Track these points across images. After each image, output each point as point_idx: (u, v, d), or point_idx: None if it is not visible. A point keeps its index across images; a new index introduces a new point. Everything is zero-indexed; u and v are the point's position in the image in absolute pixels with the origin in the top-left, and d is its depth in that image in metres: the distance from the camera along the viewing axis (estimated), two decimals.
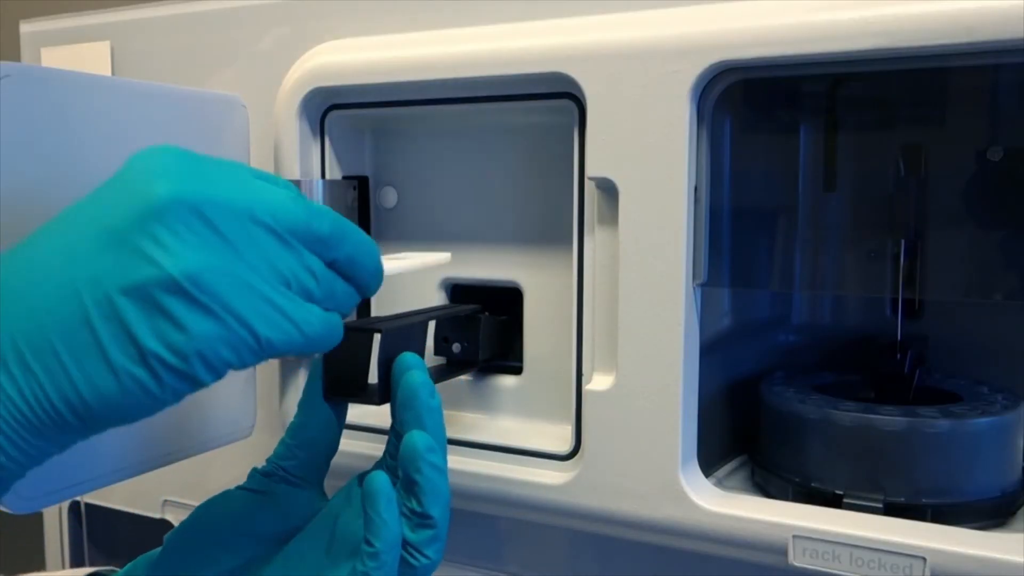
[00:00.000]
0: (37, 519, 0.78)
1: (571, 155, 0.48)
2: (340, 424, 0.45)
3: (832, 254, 0.52)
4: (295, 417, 0.45)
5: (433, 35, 0.52)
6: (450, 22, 0.53)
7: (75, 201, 0.33)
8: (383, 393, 0.42)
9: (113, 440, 0.44)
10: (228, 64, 0.61)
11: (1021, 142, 0.45)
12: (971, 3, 0.38)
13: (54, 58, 0.68)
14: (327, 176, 0.56)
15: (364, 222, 0.58)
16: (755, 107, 0.52)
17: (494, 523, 0.58)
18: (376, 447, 0.51)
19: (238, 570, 0.43)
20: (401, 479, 0.40)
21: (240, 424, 0.54)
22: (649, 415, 0.46)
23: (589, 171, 0.47)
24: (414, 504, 0.39)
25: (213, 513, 0.44)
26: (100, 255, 0.31)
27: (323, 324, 0.35)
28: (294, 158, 0.55)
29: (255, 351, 0.32)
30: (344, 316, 0.38)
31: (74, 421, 0.31)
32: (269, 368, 0.57)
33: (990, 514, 0.47)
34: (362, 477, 0.42)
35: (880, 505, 0.46)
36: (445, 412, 0.56)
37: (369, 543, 0.38)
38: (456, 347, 0.55)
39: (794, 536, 0.43)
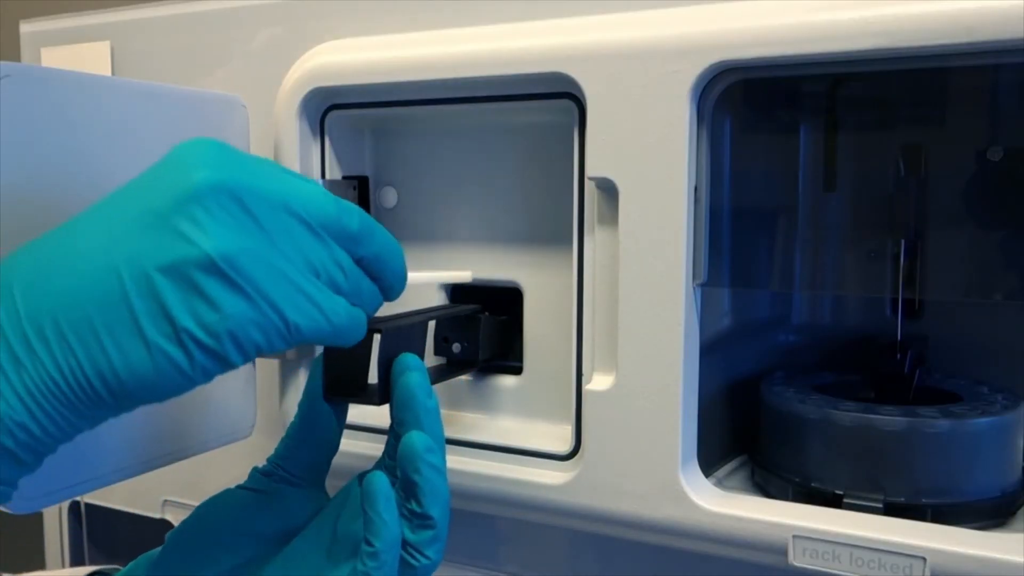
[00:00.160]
0: (37, 519, 0.78)
1: (571, 155, 0.48)
2: (340, 424, 0.45)
3: (832, 254, 0.52)
4: (295, 417, 0.45)
5: (433, 35, 0.52)
6: (450, 22, 0.53)
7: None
8: (383, 393, 0.42)
9: (113, 440, 0.44)
10: (228, 64, 0.61)
11: (1021, 142, 0.45)
12: (971, 3, 0.38)
13: (54, 58, 0.68)
14: (327, 176, 0.56)
15: None
16: (755, 107, 0.52)
17: (494, 523, 0.58)
18: (376, 447, 0.51)
19: (238, 569, 0.43)
20: (400, 480, 0.40)
21: (240, 424, 0.54)
22: (649, 415, 0.46)
23: (589, 171, 0.47)
24: (413, 505, 0.39)
25: (214, 512, 0.44)
26: (140, 235, 0.31)
27: (349, 316, 0.36)
28: (294, 158, 0.55)
29: (284, 336, 0.33)
30: (367, 316, 0.38)
31: (107, 396, 0.31)
32: (269, 368, 0.57)
33: (990, 514, 0.47)
34: (362, 477, 0.42)
35: (880, 505, 0.46)
36: (445, 412, 0.56)
37: (369, 543, 0.38)
38: (456, 347, 0.55)
39: (794, 536, 0.43)
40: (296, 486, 0.44)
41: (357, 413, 0.53)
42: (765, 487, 0.52)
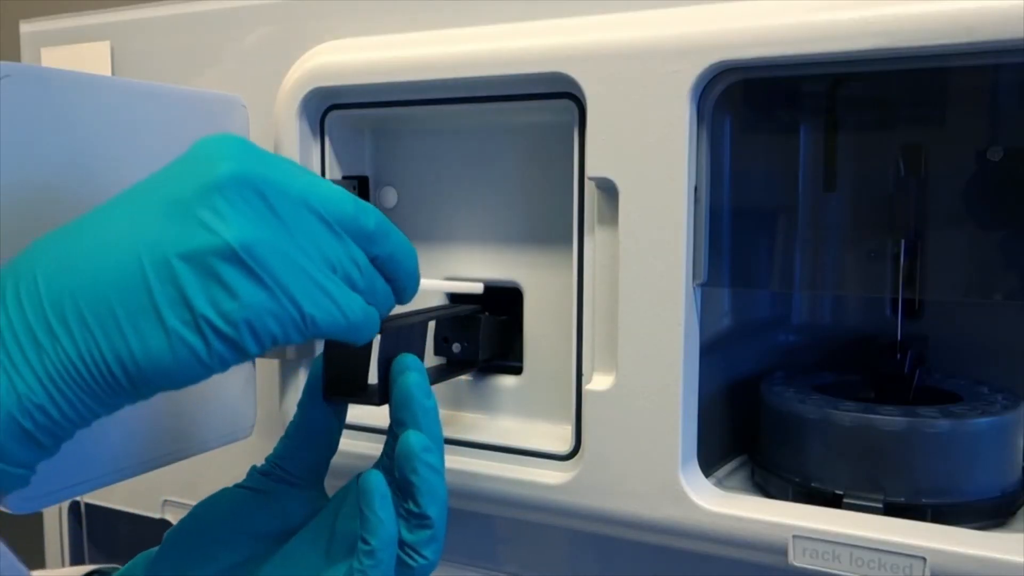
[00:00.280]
0: (37, 519, 0.78)
1: (571, 155, 0.48)
2: (340, 424, 0.45)
3: (832, 254, 0.52)
4: (295, 417, 0.45)
5: (433, 35, 0.52)
6: (450, 22, 0.53)
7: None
8: (383, 393, 0.42)
9: (113, 440, 0.44)
10: (228, 64, 0.61)
11: (1021, 142, 0.45)
12: (971, 3, 0.38)
13: (54, 58, 0.68)
14: (327, 176, 0.56)
15: None
16: (755, 107, 0.52)
17: (494, 523, 0.58)
18: (376, 447, 0.51)
19: (237, 568, 0.43)
20: (397, 479, 0.40)
21: (240, 424, 0.54)
22: (649, 415, 0.46)
23: (589, 171, 0.47)
24: (411, 504, 0.39)
25: (212, 511, 0.44)
26: (162, 223, 0.32)
27: (364, 313, 0.36)
28: (294, 158, 0.55)
29: (299, 327, 0.33)
30: (381, 316, 0.38)
31: (125, 382, 0.32)
32: (269, 368, 0.57)
33: (990, 514, 0.47)
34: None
35: (880, 505, 0.46)
36: (445, 412, 0.56)
37: (365, 541, 0.38)
38: (456, 347, 0.55)
39: (794, 536, 0.43)
40: (295, 486, 0.44)
41: (357, 413, 0.53)
42: (765, 487, 0.52)
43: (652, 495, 0.46)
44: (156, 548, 0.44)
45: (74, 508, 0.76)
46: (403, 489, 0.39)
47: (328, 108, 0.55)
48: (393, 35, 0.54)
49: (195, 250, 0.31)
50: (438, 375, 0.53)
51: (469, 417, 0.57)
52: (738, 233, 0.51)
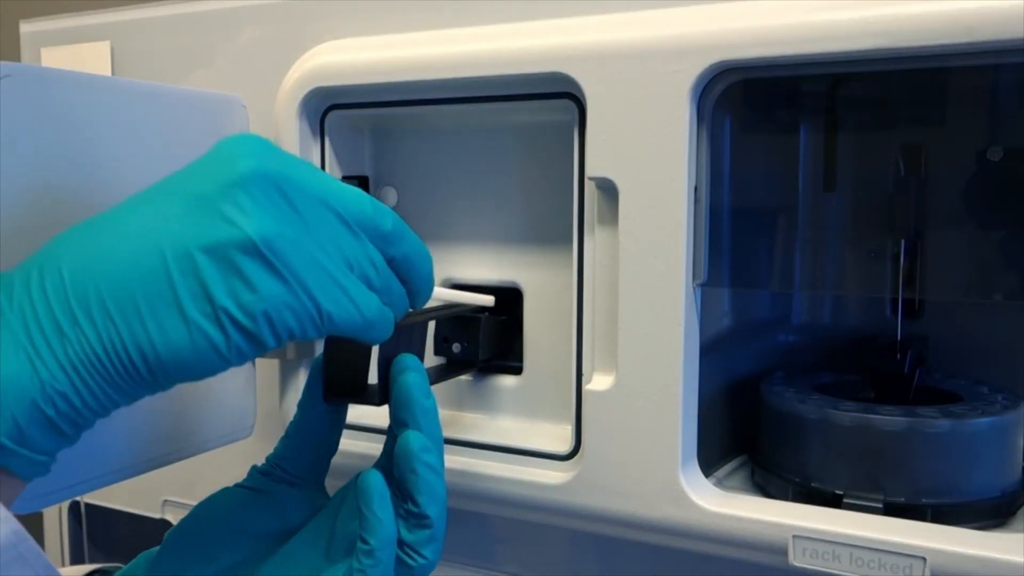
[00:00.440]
0: (37, 519, 0.78)
1: (571, 155, 0.48)
2: (340, 424, 0.45)
3: (832, 254, 0.52)
4: (295, 417, 0.45)
5: (433, 35, 0.52)
6: (450, 22, 0.53)
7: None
8: (383, 393, 0.42)
9: (113, 440, 0.44)
10: (228, 64, 0.61)
11: (1021, 142, 0.45)
12: (971, 3, 0.38)
13: (54, 58, 0.68)
14: None
15: None
16: (755, 107, 0.52)
17: (494, 523, 0.58)
18: (376, 447, 0.51)
19: (237, 567, 0.43)
20: (397, 479, 0.40)
21: (240, 424, 0.54)
22: (649, 415, 0.46)
23: (589, 171, 0.47)
24: (410, 504, 0.39)
25: (212, 511, 0.44)
26: (185, 217, 0.32)
27: (380, 311, 0.37)
28: None
29: (316, 323, 0.34)
30: (395, 317, 0.38)
31: (145, 372, 0.32)
32: (269, 368, 0.57)
33: (990, 514, 0.47)
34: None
35: (880, 505, 0.46)
36: (445, 412, 0.56)
37: (364, 540, 0.38)
38: (456, 347, 0.55)
39: (794, 536, 0.43)
40: (295, 486, 0.44)
41: (357, 413, 0.53)
42: (765, 487, 0.52)
43: (652, 495, 0.46)
44: (157, 548, 0.44)
45: (74, 508, 0.76)
46: (402, 489, 0.39)
47: (328, 108, 0.55)
48: (393, 35, 0.54)
49: (216, 243, 0.32)
50: (438, 375, 0.53)
51: (469, 417, 0.57)
52: (738, 233, 0.51)
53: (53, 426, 0.31)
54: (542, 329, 0.54)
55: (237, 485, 0.45)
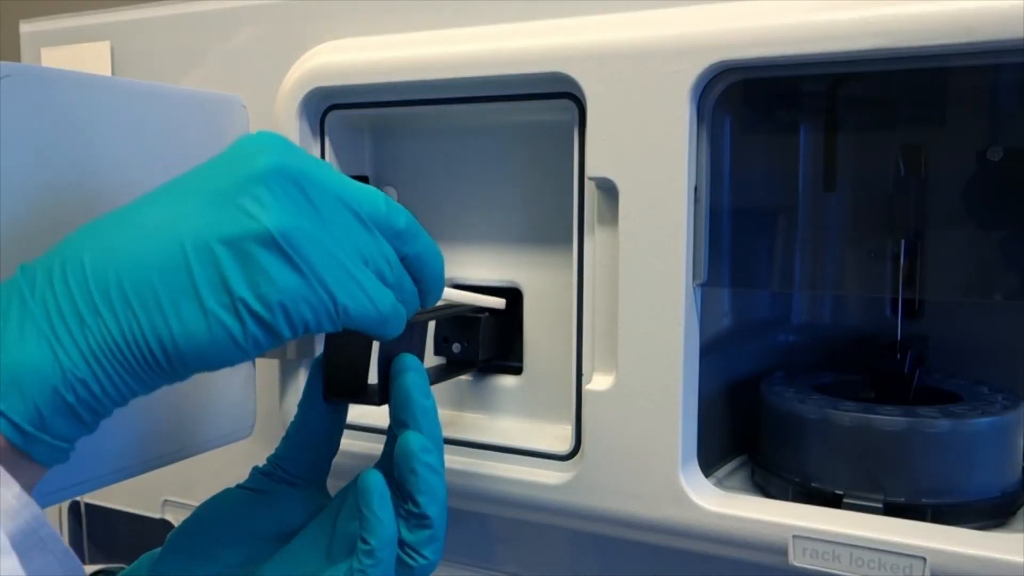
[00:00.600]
0: None
1: (571, 155, 0.48)
2: (340, 424, 0.45)
3: (832, 254, 0.52)
4: (295, 417, 0.45)
5: (433, 35, 0.52)
6: (450, 22, 0.53)
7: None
8: (383, 393, 0.42)
9: (113, 440, 0.44)
10: (228, 64, 0.61)
11: (1021, 142, 0.45)
12: (971, 3, 0.38)
13: (54, 58, 0.68)
14: None
15: None
16: (755, 107, 0.52)
17: (493, 523, 0.58)
18: (376, 447, 0.51)
19: (238, 568, 0.43)
20: (397, 480, 0.40)
21: (240, 424, 0.54)
22: (649, 415, 0.46)
23: (589, 171, 0.47)
24: (410, 505, 0.39)
25: (214, 512, 0.44)
26: (204, 210, 0.33)
27: (393, 307, 0.37)
28: None
29: (331, 315, 0.34)
30: (407, 315, 0.39)
31: (163, 361, 0.33)
32: (269, 368, 0.57)
33: (990, 514, 0.47)
34: None
35: (880, 505, 0.46)
36: (445, 412, 0.56)
37: (365, 541, 0.38)
38: (456, 347, 0.55)
39: (794, 536, 0.43)
40: (296, 486, 0.44)
41: (357, 413, 0.53)
42: (765, 487, 0.52)
43: (652, 495, 0.46)
44: (159, 549, 0.45)
45: (74, 508, 0.76)
46: (402, 489, 0.39)
47: (328, 108, 0.55)
48: (393, 35, 0.54)
49: (235, 235, 0.32)
50: (438, 375, 0.53)
51: (469, 417, 0.57)
52: (738, 233, 0.51)
53: (73, 413, 0.32)
54: (542, 329, 0.54)
55: (238, 486, 0.45)
